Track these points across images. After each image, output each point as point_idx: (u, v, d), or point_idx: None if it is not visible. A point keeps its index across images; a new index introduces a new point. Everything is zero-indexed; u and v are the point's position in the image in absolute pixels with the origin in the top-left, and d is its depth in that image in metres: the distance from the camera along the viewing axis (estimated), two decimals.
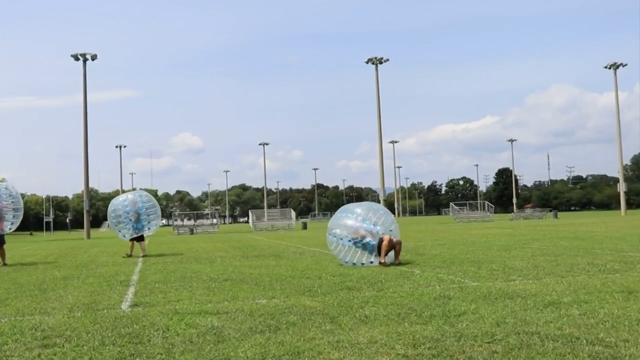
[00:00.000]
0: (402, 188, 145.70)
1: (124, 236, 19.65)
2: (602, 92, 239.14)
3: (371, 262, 12.66)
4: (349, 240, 12.94)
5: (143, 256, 18.76)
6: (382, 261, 12.55)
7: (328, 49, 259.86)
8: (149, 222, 19.75)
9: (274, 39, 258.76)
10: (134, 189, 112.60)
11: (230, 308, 7.76)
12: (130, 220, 19.36)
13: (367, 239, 12.80)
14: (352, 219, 13.26)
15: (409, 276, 10.64)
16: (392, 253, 12.99)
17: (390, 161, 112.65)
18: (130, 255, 18.96)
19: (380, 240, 12.75)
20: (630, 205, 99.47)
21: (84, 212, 55.37)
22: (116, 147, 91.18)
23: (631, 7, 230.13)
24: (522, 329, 5.84)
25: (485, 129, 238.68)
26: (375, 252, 12.74)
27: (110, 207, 20.00)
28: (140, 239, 19.51)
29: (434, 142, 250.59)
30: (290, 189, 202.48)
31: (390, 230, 13.22)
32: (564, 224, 39.71)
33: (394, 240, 12.92)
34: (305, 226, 58.55)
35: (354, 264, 12.82)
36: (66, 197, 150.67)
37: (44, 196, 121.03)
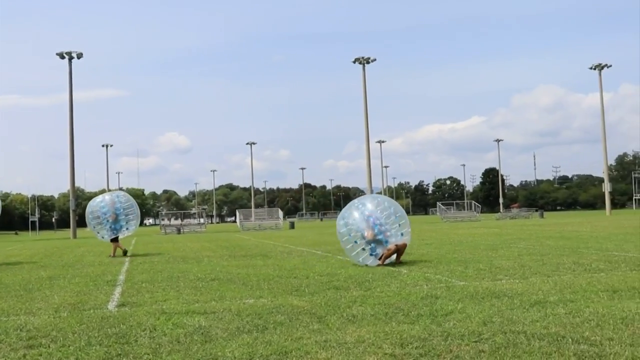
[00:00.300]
0: (389, 188, 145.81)
1: (103, 237, 19.70)
2: (587, 93, 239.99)
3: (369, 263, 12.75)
4: (356, 241, 12.89)
5: (125, 253, 18.84)
6: (380, 263, 12.61)
7: (315, 48, 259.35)
8: (127, 223, 19.74)
9: (261, 39, 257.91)
10: (120, 189, 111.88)
11: (218, 308, 7.75)
12: (108, 221, 19.34)
13: (373, 245, 12.81)
14: (364, 213, 13.10)
15: (397, 276, 10.68)
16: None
17: (378, 161, 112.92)
18: (114, 256, 18.95)
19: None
20: (615, 205, 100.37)
21: (70, 212, 54.96)
22: (102, 146, 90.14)
23: (616, 9, 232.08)
24: (508, 328, 5.88)
25: (472, 129, 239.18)
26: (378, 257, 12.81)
27: (88, 209, 20.01)
28: (116, 239, 19.50)
29: (421, 142, 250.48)
30: (278, 189, 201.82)
31: (401, 234, 13.14)
32: (550, 223, 39.98)
33: (400, 244, 12.95)
34: (292, 226, 58.48)
35: (352, 257, 12.96)
36: (52, 196, 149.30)
37: (30, 195, 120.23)
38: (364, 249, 12.81)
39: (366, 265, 12.60)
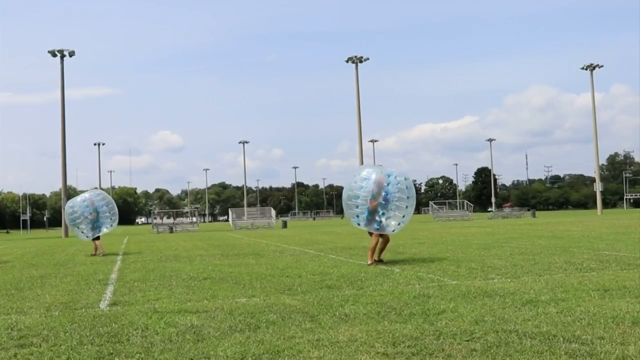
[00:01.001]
0: None
1: (87, 237, 19.60)
2: (579, 93, 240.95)
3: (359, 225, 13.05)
4: (357, 206, 12.99)
5: (103, 254, 18.81)
6: (370, 262, 12.63)
7: (308, 47, 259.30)
8: (110, 219, 19.74)
9: (254, 38, 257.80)
10: (112, 188, 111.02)
11: (210, 307, 7.74)
12: (91, 220, 19.29)
13: (367, 214, 12.82)
14: (381, 178, 12.99)
15: (389, 275, 10.69)
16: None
17: (370, 160, 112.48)
18: (94, 255, 18.98)
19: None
20: (606, 204, 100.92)
21: (62, 211, 54.74)
22: (94, 144, 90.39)
23: (608, 9, 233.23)
24: (500, 327, 5.90)
25: (465, 129, 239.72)
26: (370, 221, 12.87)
27: (68, 208, 19.87)
28: (97, 238, 19.47)
29: (414, 141, 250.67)
30: (270, 188, 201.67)
31: (393, 231, 13.18)
32: (542, 223, 40.11)
33: (384, 234, 12.98)
34: (285, 225, 58.43)
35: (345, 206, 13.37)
36: (44, 195, 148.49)
37: (21, 194, 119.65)
38: (357, 216, 12.99)
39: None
